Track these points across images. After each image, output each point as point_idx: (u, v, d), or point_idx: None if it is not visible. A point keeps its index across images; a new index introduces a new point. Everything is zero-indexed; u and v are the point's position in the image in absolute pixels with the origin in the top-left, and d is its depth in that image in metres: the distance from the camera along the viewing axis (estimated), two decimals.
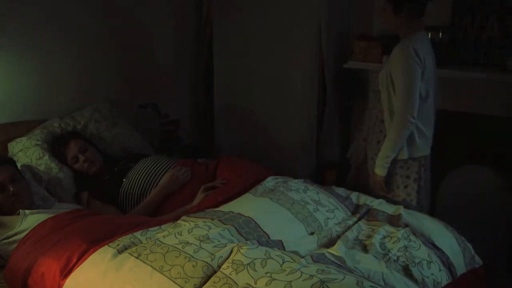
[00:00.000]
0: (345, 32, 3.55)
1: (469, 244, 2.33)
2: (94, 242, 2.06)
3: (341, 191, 2.61)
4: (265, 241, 2.07)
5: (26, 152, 2.85)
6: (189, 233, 2.05)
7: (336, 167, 3.64)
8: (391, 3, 2.57)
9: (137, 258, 1.93)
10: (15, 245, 2.25)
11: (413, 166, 2.70)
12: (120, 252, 1.99)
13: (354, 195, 2.58)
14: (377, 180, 2.70)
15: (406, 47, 2.55)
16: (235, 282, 1.76)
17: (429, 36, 3.11)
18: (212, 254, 1.90)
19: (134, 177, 2.78)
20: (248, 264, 1.82)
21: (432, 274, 2.03)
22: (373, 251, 2.07)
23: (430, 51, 2.66)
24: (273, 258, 1.86)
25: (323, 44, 3.45)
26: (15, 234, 2.31)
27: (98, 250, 2.01)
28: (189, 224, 2.14)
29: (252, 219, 2.17)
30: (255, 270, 1.80)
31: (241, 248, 1.90)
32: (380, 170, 2.67)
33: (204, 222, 2.14)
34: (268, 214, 2.25)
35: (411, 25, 2.60)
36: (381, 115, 2.75)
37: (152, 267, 1.88)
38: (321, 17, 3.41)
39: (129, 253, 1.96)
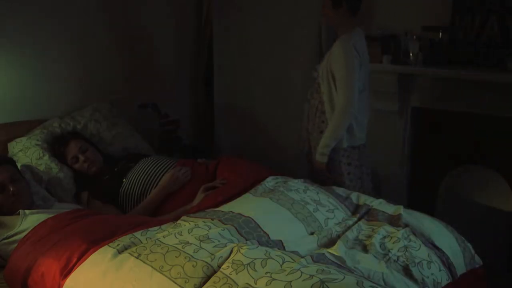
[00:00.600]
0: None
1: (469, 244, 2.33)
2: (94, 242, 2.06)
3: (341, 191, 2.60)
4: (265, 241, 2.07)
5: (26, 152, 2.85)
6: (189, 233, 2.05)
7: None
8: (330, 0, 2.73)
9: (137, 258, 1.93)
10: (15, 245, 2.25)
11: (353, 154, 2.89)
12: (120, 252, 1.98)
13: (354, 195, 2.57)
14: (319, 167, 2.84)
15: (346, 42, 2.72)
16: (235, 282, 1.76)
17: (428, 37, 3.13)
18: (212, 254, 1.90)
19: (134, 177, 2.78)
20: (248, 264, 1.82)
21: (432, 274, 2.03)
22: (373, 251, 2.07)
23: (365, 47, 2.85)
24: (273, 258, 1.86)
25: (323, 44, 3.45)
26: (15, 234, 2.31)
27: (98, 250, 2.01)
28: (189, 224, 2.14)
29: (252, 219, 2.17)
30: (255, 270, 1.80)
31: (241, 248, 1.90)
32: (321, 157, 2.82)
33: (204, 222, 2.13)
34: (268, 214, 2.25)
35: (348, 21, 2.77)
36: (321, 106, 2.87)
37: (152, 267, 1.88)
38: (321, 17, 3.41)
39: (129, 253, 1.96)
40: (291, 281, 1.70)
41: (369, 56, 2.90)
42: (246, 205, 2.31)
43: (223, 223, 2.13)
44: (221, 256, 1.88)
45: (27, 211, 2.38)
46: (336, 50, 2.74)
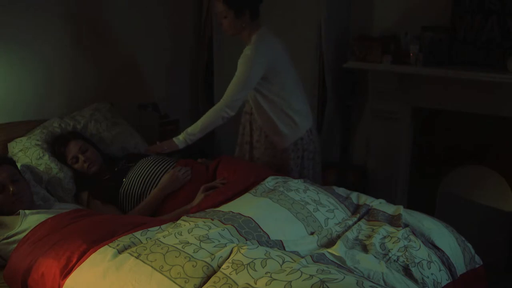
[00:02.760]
0: (345, 32, 3.55)
1: (469, 244, 2.33)
2: (94, 242, 2.06)
3: (341, 191, 2.60)
4: (265, 241, 2.07)
5: (26, 152, 2.85)
6: (189, 233, 2.05)
7: (336, 167, 3.64)
8: (232, 10, 2.75)
9: (137, 258, 1.93)
10: (15, 245, 2.25)
11: (301, 145, 2.95)
12: (120, 252, 1.98)
13: (354, 195, 2.57)
14: (169, 147, 2.84)
15: (255, 46, 2.75)
16: (235, 282, 1.76)
17: (428, 37, 3.13)
18: (212, 254, 1.90)
19: (134, 177, 2.78)
20: (248, 264, 1.82)
21: (432, 274, 2.03)
22: (373, 251, 2.07)
23: (278, 41, 2.87)
24: (273, 258, 1.86)
25: (323, 44, 3.45)
26: (15, 234, 2.31)
27: (98, 250, 2.01)
28: (189, 224, 2.14)
29: (252, 219, 2.16)
30: (255, 270, 1.80)
31: (241, 248, 1.90)
32: (181, 143, 2.83)
33: (204, 222, 2.13)
34: (268, 214, 2.25)
35: (252, 24, 2.80)
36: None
37: (152, 267, 1.88)
38: (321, 17, 3.41)
39: (129, 253, 1.96)
40: (291, 281, 1.70)
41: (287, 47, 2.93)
42: (246, 205, 2.31)
43: (223, 223, 2.13)
44: (221, 256, 1.88)
45: (27, 211, 2.38)
46: (248, 51, 2.76)
